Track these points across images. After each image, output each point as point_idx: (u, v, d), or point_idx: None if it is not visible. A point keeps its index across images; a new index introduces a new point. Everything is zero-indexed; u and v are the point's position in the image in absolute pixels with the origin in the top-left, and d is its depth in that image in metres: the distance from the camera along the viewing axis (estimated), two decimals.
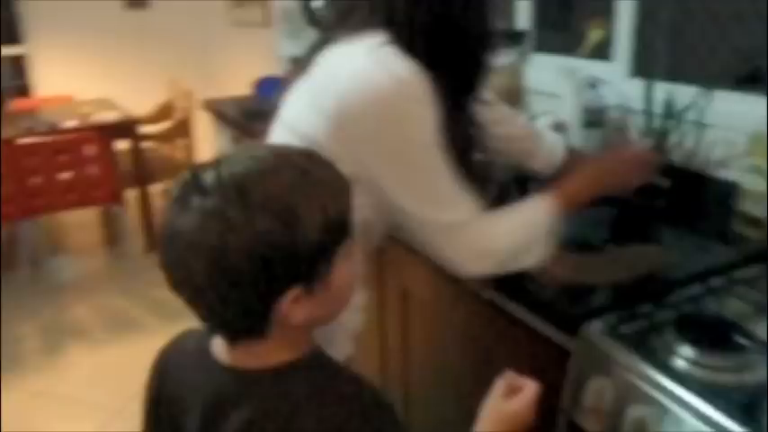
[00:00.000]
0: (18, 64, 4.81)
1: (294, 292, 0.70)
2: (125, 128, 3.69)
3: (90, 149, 3.35)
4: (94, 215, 4.12)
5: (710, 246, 1.35)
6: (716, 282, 1.15)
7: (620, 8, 1.80)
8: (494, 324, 1.26)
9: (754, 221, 1.36)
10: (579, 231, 1.45)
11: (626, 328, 1.03)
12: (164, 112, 4.18)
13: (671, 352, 0.95)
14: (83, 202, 3.41)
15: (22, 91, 4.78)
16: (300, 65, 1.13)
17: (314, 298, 0.73)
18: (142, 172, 3.71)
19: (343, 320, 1.17)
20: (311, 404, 0.72)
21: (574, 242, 1.39)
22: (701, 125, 1.50)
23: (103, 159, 3.40)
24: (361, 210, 1.04)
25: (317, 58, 1.06)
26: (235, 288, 0.68)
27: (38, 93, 4.66)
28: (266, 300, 0.70)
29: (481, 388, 1.36)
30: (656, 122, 1.49)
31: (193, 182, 0.69)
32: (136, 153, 3.72)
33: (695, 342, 0.95)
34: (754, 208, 1.36)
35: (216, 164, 0.71)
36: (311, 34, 2.68)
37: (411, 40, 0.98)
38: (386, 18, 1.01)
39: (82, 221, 4.14)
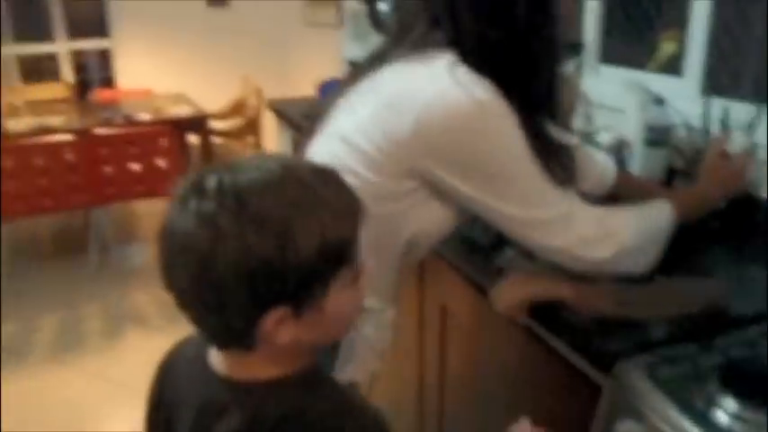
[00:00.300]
0: (105, 57, 5.03)
1: (279, 312, 0.67)
2: (197, 123, 3.79)
3: (161, 142, 3.45)
4: (163, 206, 4.24)
5: None
6: None
7: (693, 19, 1.68)
8: (528, 351, 1.20)
9: None
10: None
11: (665, 371, 0.94)
12: (235, 109, 4.27)
13: (712, 403, 0.87)
14: (151, 193, 3.51)
15: (108, 83, 4.99)
16: (358, 73, 1.10)
17: (302, 321, 0.69)
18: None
19: (370, 337, 1.15)
20: (290, 424, 0.69)
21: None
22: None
23: (173, 153, 3.49)
24: (417, 223, 1.04)
25: (382, 70, 1.03)
26: (218, 299, 0.66)
27: (121, 85, 4.85)
28: (249, 315, 0.67)
29: (512, 413, 1.30)
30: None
31: (196, 184, 0.67)
32: (205, 148, 3.81)
33: (741, 394, 0.86)
34: None
35: (223, 169, 0.68)
36: (376, 38, 2.66)
37: (480, 58, 0.96)
38: (452, 35, 0.99)
39: (151, 211, 4.27)
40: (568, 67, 1.75)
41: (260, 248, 0.63)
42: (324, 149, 1.08)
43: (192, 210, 0.65)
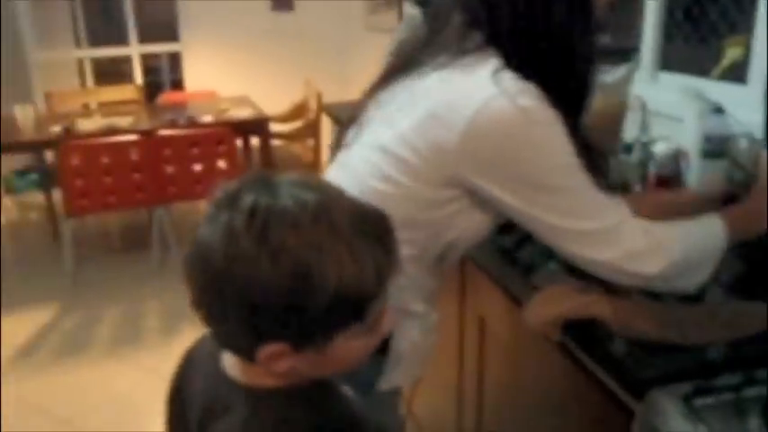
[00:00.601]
0: (175, 60, 5.19)
1: (278, 346, 0.66)
2: (258, 125, 3.85)
3: (222, 144, 3.52)
4: None
5: None
6: None
7: (758, 24, 1.58)
8: (562, 370, 1.15)
9: None
10: None
11: (703, 402, 0.88)
12: (296, 112, 4.32)
13: None
14: (211, 194, 3.57)
15: (177, 85, 5.15)
16: (390, 76, 1.08)
17: (303, 356, 0.68)
18: (269, 169, 3.84)
19: (416, 341, 1.12)
20: None
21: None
22: None
23: (233, 154, 3.55)
24: (457, 228, 1.03)
25: (421, 77, 1.01)
26: (222, 312, 0.66)
27: (188, 87, 4.99)
28: (248, 339, 0.67)
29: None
30: None
31: (233, 196, 0.66)
32: (265, 150, 3.87)
33: None
34: None
35: (262, 187, 0.67)
36: None
37: (518, 58, 0.95)
38: (488, 32, 0.97)
39: None
40: (619, 72, 1.68)
41: (270, 281, 0.62)
42: (361, 159, 1.06)
43: (222, 222, 0.65)
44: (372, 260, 0.66)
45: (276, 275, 0.62)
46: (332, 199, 0.69)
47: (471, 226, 1.04)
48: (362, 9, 4.38)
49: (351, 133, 1.12)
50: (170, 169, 3.51)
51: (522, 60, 0.94)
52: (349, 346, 0.69)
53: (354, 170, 1.06)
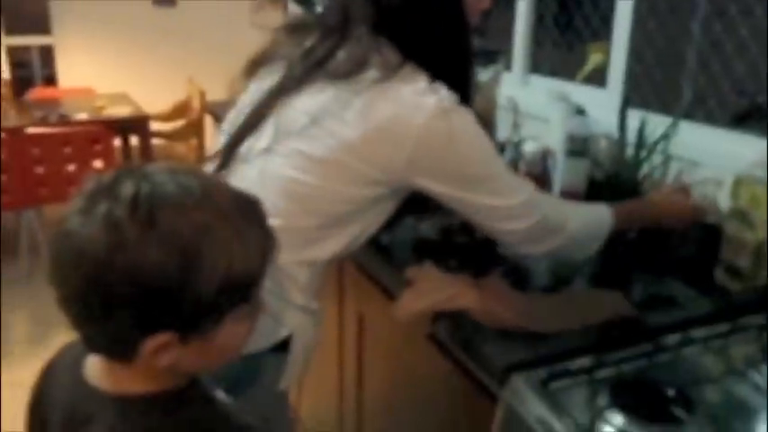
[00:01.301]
0: (47, 54, 4.88)
1: (165, 336, 0.64)
2: (137, 124, 3.70)
3: (97, 144, 3.35)
4: None
5: (683, 296, 1.24)
6: (675, 339, 1.04)
7: (615, 32, 1.70)
8: (434, 361, 1.17)
9: (735, 272, 1.25)
10: (543, 265, 1.37)
11: (558, 384, 0.93)
12: (178, 111, 4.18)
13: (600, 418, 0.85)
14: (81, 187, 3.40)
15: (49, 80, 4.85)
16: (291, 78, 1.06)
17: (188, 347, 0.66)
18: None
19: (313, 338, 1.12)
20: None
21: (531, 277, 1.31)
22: (678, 160, 1.42)
23: (110, 154, 3.39)
24: (365, 221, 1.06)
25: (342, 89, 1.00)
26: (105, 308, 0.63)
27: (62, 83, 4.71)
28: (133, 333, 0.64)
29: (421, 424, 1.28)
30: (629, 153, 1.40)
31: (110, 186, 0.64)
32: (145, 150, 3.73)
33: (628, 409, 0.85)
34: (735, 257, 1.24)
35: (141, 176, 0.65)
36: None
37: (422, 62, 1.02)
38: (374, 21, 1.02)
39: None
40: (488, 73, 1.75)
41: (159, 268, 0.61)
42: (280, 168, 1.03)
43: (100, 213, 0.62)
44: (257, 242, 0.68)
45: (165, 261, 0.61)
46: (213, 182, 0.70)
47: (379, 219, 1.09)
48: (247, 6, 4.31)
49: (246, 144, 1.08)
50: (40, 170, 3.30)
51: (423, 63, 1.02)
52: (234, 332, 0.69)
53: (272, 180, 1.03)
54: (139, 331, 0.64)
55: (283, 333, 1.05)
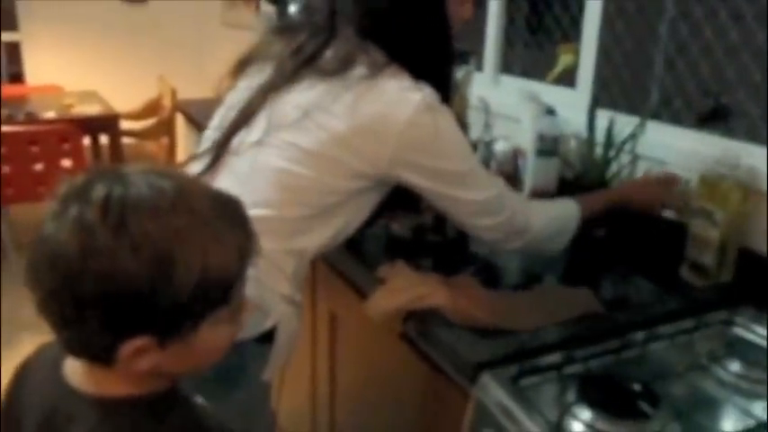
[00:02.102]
0: (13, 51, 4.78)
1: (141, 340, 0.63)
2: (107, 122, 3.64)
3: (66, 142, 3.29)
4: None
5: (650, 293, 1.26)
6: (642, 335, 1.06)
7: (585, 34, 1.72)
8: (406, 360, 1.18)
9: (700, 269, 1.27)
10: (513, 264, 1.38)
11: (527, 381, 0.94)
12: (149, 110, 4.14)
13: (568, 413, 0.87)
14: (54, 190, 3.34)
15: (16, 78, 4.75)
16: (281, 77, 1.08)
17: (166, 351, 0.65)
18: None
19: (296, 330, 1.14)
20: None
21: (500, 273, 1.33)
22: (646, 159, 1.45)
23: (78, 153, 3.34)
24: (349, 214, 1.09)
25: (337, 84, 1.03)
26: (79, 313, 0.62)
27: (29, 81, 4.62)
28: (107, 337, 0.63)
29: (394, 422, 1.28)
30: (598, 152, 1.42)
31: (82, 189, 0.63)
32: (115, 149, 3.67)
33: (596, 404, 0.87)
34: (700, 255, 1.27)
35: (114, 178, 0.64)
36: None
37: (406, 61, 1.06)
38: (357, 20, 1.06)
39: None
40: (460, 73, 1.76)
41: (131, 273, 0.60)
42: (268, 157, 1.04)
43: (72, 216, 0.61)
44: (235, 242, 0.67)
45: (137, 266, 0.60)
46: (189, 184, 0.68)
47: (365, 211, 1.12)
48: (219, 4, 4.28)
49: (238, 138, 1.09)
50: (6, 169, 3.23)
51: (407, 64, 1.06)
52: (215, 335, 0.68)
53: (264, 171, 1.05)
54: (114, 335, 0.63)
55: (269, 324, 1.06)
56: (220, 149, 1.10)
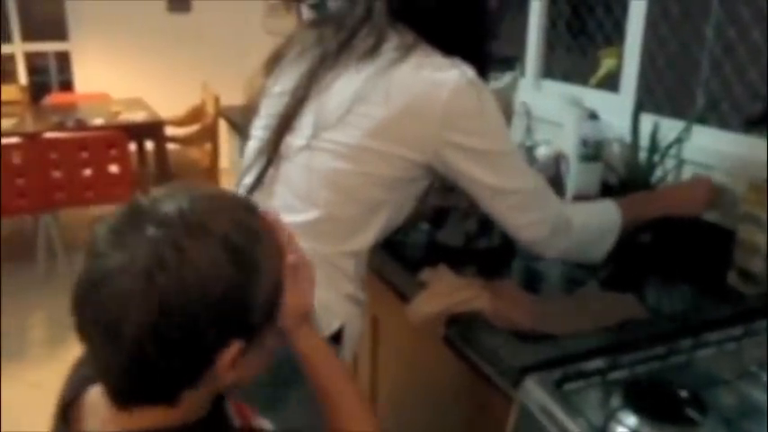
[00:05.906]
0: (63, 60, 4.93)
1: (236, 347, 0.64)
2: (153, 129, 3.74)
3: (113, 148, 3.39)
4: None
5: (697, 300, 1.24)
6: (688, 342, 1.05)
7: (628, 37, 1.70)
8: (449, 364, 1.18)
9: (748, 276, 1.25)
10: (557, 270, 1.37)
11: (571, 386, 0.94)
12: (193, 116, 4.22)
13: (613, 419, 0.86)
14: (102, 199, 3.44)
15: (66, 86, 4.90)
16: (320, 69, 1.07)
17: (245, 358, 0.66)
18: (165, 173, 3.75)
19: (361, 329, 1.15)
20: None
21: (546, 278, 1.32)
22: (692, 164, 1.43)
23: (125, 158, 3.43)
24: (395, 207, 1.08)
25: (368, 71, 1.02)
26: (175, 338, 0.60)
27: (79, 89, 4.76)
28: (209, 349, 0.63)
29: (435, 426, 1.28)
30: (642, 157, 1.41)
31: (146, 210, 0.63)
32: (160, 154, 3.76)
33: (642, 411, 0.86)
34: (748, 261, 1.25)
35: (169, 197, 0.64)
36: None
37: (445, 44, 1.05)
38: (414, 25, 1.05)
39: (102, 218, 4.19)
40: (505, 79, 1.76)
41: (229, 273, 0.62)
42: (321, 160, 1.04)
43: (149, 236, 0.61)
44: (276, 241, 0.71)
45: (232, 269, 0.62)
46: (217, 191, 0.71)
47: (409, 204, 1.11)
48: (261, 12, 4.35)
49: (285, 143, 1.08)
50: (57, 174, 3.34)
51: (446, 44, 1.05)
52: (272, 340, 0.71)
53: (318, 174, 1.05)
54: (217, 346, 0.63)
55: (336, 324, 1.06)
56: (271, 156, 1.10)
